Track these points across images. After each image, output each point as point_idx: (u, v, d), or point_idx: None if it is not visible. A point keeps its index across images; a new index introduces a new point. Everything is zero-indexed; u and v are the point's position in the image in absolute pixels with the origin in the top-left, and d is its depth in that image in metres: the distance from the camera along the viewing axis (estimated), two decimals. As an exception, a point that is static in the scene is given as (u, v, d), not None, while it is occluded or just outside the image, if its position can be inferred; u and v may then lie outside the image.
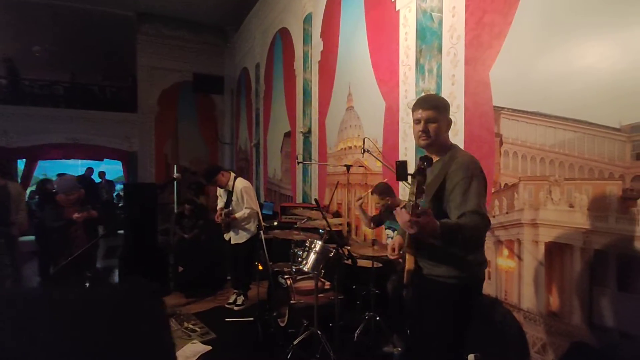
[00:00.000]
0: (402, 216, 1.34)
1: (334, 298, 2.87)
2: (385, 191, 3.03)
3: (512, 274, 2.51)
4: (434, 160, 1.71)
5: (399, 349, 2.49)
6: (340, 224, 3.51)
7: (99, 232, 3.71)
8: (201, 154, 10.62)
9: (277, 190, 7.03)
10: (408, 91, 3.48)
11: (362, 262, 2.87)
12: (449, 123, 1.73)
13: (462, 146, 2.86)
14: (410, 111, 3.37)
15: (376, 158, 3.29)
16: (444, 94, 3.05)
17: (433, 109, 1.67)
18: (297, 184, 6.03)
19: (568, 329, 2.19)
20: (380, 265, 2.76)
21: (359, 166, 4.29)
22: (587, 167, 2.09)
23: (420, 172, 1.30)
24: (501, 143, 2.59)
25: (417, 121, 1.71)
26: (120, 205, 10.37)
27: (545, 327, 2.31)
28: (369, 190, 3.15)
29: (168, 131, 10.17)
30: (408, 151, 3.51)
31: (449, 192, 1.55)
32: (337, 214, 4.70)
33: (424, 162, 1.35)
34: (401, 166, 1.28)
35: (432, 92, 3.13)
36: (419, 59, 3.35)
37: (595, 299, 2.06)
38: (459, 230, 1.36)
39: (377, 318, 2.58)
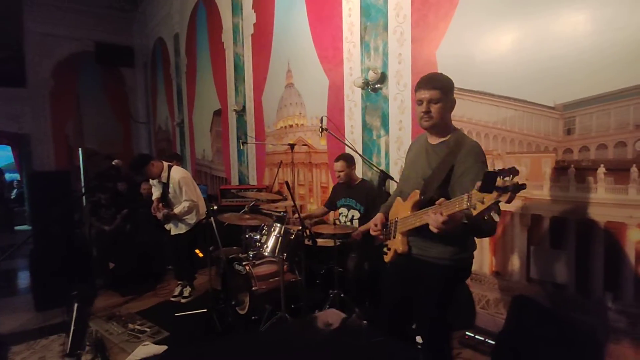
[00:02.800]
0: (435, 218, 1.35)
1: (294, 279, 2.86)
2: (351, 159, 3.11)
3: (460, 240, 2.74)
4: (436, 143, 1.69)
5: (365, 322, 2.59)
6: (291, 206, 3.45)
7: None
8: (112, 135, 9.51)
9: (208, 172, 6.65)
10: (353, 69, 3.49)
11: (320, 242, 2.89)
12: (453, 103, 1.69)
13: (410, 125, 3.02)
14: (356, 89, 3.44)
15: (337, 138, 3.30)
16: (391, 73, 3.13)
17: (437, 89, 1.60)
18: (231, 165, 5.77)
19: (509, 285, 2.49)
20: (339, 243, 2.79)
21: (303, 145, 4.24)
22: (526, 142, 2.34)
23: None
24: (448, 120, 2.75)
25: (419, 102, 1.64)
26: (13, 197, 8.90)
27: (490, 285, 2.60)
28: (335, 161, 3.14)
29: (68, 109, 8.85)
30: (354, 129, 3.55)
31: (457, 176, 1.55)
32: (279, 195, 4.63)
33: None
34: (491, 177, 1.09)
35: (379, 70, 3.17)
36: (363, 36, 3.35)
37: (532, 257, 2.36)
38: (483, 222, 1.29)
39: (342, 295, 2.64)
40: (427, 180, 1.63)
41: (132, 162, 3.52)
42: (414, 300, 1.74)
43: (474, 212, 1.16)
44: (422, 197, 1.59)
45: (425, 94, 1.61)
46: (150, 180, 3.65)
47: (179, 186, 3.46)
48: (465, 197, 1.23)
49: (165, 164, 3.59)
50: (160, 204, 3.53)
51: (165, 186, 3.52)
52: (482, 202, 1.13)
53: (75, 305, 1.31)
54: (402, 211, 1.69)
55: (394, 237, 1.71)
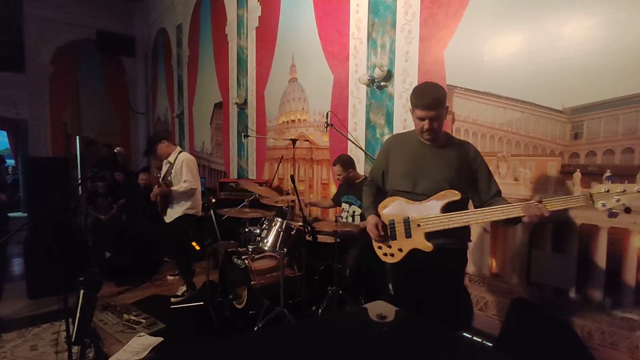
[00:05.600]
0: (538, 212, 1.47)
1: (293, 275, 2.84)
2: (348, 162, 3.08)
3: (460, 242, 2.73)
4: (439, 145, 1.75)
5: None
6: (293, 201, 3.43)
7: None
8: (110, 125, 9.42)
9: (206, 165, 6.61)
10: (359, 65, 3.46)
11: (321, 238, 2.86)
12: (447, 110, 1.75)
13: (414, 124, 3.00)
14: (361, 85, 3.41)
15: (342, 134, 3.27)
16: (397, 71, 3.10)
17: (437, 107, 1.64)
18: (231, 159, 5.73)
19: (509, 288, 2.48)
20: (338, 240, 2.77)
21: (304, 140, 4.21)
22: (532, 145, 2.33)
23: None
24: (453, 120, 2.73)
25: (420, 119, 1.68)
26: (9, 183, 8.79)
27: (488, 287, 2.59)
28: (334, 163, 3.16)
29: (67, 97, 8.74)
30: (358, 126, 3.53)
31: (479, 177, 1.75)
32: (278, 190, 4.60)
33: None
34: None
35: (385, 67, 3.14)
36: (371, 32, 3.32)
37: (533, 260, 2.35)
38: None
39: (340, 292, 2.62)
40: (451, 182, 1.68)
41: (146, 140, 3.50)
42: (427, 289, 1.77)
43: (602, 209, 1.35)
44: (461, 198, 1.66)
45: (426, 114, 1.65)
46: (164, 162, 3.61)
47: (180, 167, 3.43)
48: (581, 196, 1.41)
49: (178, 148, 3.62)
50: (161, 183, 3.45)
51: (171, 166, 3.49)
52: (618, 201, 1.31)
53: (81, 291, 1.27)
54: (416, 211, 1.71)
55: (409, 237, 1.69)
